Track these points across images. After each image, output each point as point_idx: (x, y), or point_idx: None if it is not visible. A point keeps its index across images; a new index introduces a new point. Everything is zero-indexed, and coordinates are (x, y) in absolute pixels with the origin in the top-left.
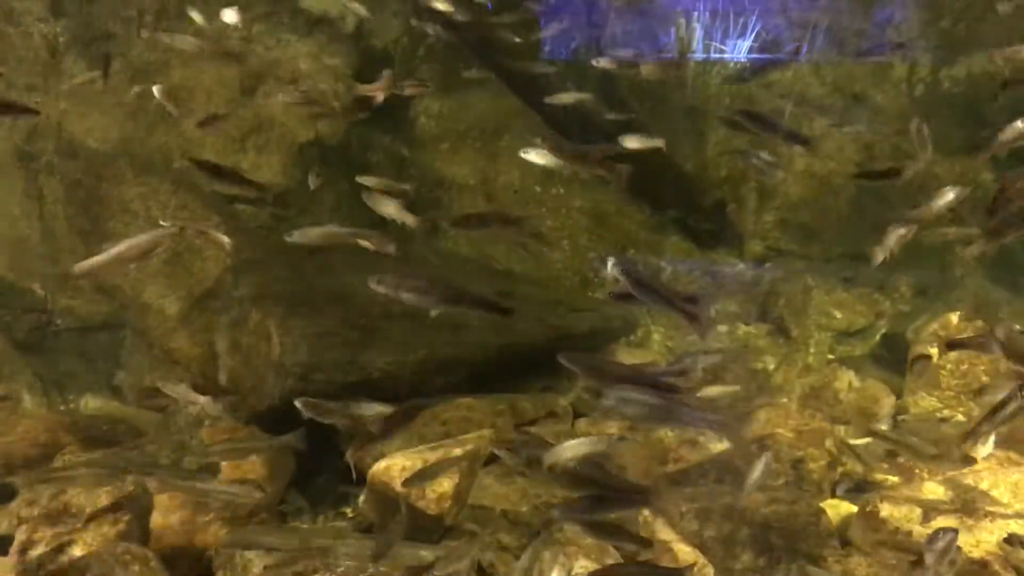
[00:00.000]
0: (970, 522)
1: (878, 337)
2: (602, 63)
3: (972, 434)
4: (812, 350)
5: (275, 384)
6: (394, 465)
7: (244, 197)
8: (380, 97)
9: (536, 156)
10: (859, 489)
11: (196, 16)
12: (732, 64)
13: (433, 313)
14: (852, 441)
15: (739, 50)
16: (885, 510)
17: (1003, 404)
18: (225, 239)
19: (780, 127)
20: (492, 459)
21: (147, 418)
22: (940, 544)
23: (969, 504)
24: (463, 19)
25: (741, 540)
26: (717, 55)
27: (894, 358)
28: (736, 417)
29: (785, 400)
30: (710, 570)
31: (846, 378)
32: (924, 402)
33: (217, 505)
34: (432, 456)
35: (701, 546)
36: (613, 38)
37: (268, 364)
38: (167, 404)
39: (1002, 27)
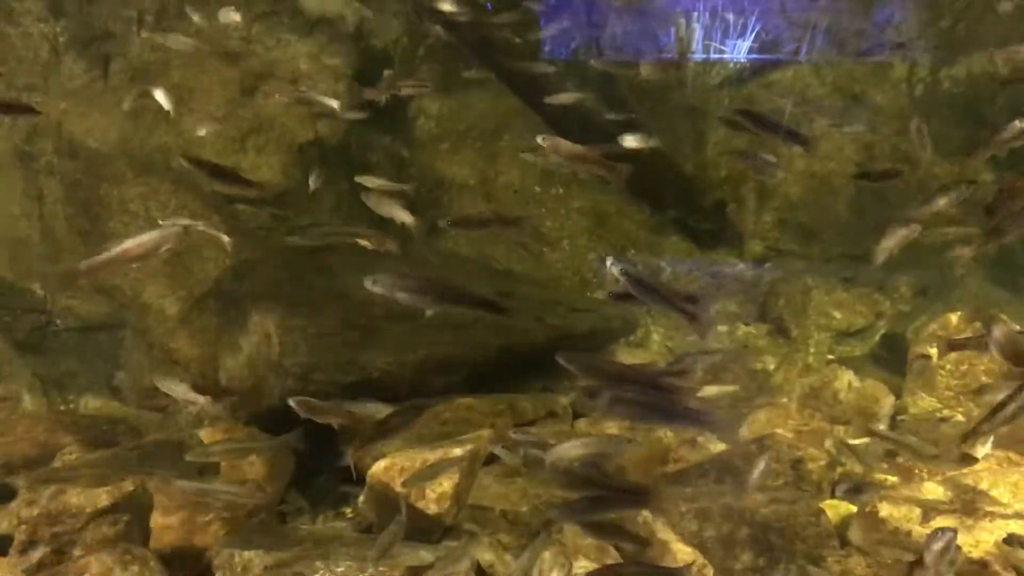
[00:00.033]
0: (969, 522)
1: (878, 337)
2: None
3: (972, 434)
4: (812, 350)
5: (275, 384)
6: (394, 465)
7: (241, 196)
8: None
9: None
10: (858, 490)
11: (195, 16)
12: (732, 64)
13: (428, 313)
14: (851, 441)
15: (739, 50)
16: (885, 510)
17: (1003, 404)
18: (225, 238)
19: (780, 127)
20: (492, 459)
21: (147, 418)
22: (939, 544)
23: (969, 504)
24: (463, 19)
25: (741, 540)
26: (717, 55)
27: (894, 358)
28: (727, 416)
29: (785, 400)
30: (710, 570)
31: (846, 378)
32: (923, 402)
33: (219, 505)
34: (432, 456)
35: (701, 546)
36: (613, 38)
37: (268, 364)
38: (167, 404)
39: (1002, 27)
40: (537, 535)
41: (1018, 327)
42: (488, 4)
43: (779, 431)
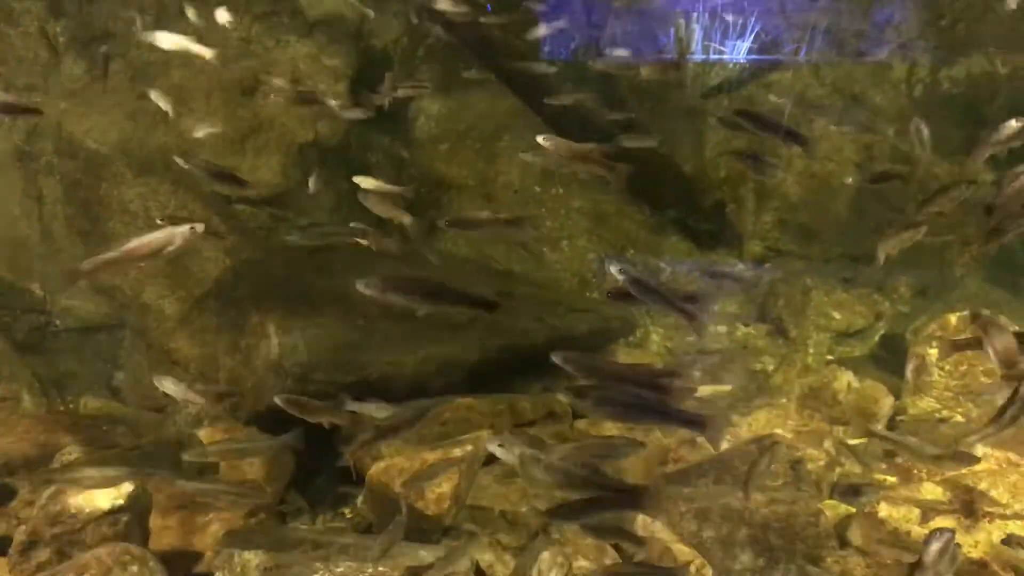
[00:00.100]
0: (969, 523)
1: (877, 338)
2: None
3: (979, 433)
4: (811, 351)
5: (274, 384)
6: (393, 466)
7: (239, 197)
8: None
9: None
10: (856, 492)
11: (193, 16)
12: (731, 65)
13: (420, 313)
14: (851, 441)
15: (738, 51)
16: (884, 510)
17: (1008, 405)
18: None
19: (779, 127)
20: (491, 459)
21: (146, 418)
22: (937, 545)
23: (968, 505)
24: (463, 19)
25: (740, 540)
26: (716, 56)
27: (893, 359)
28: (719, 417)
29: (784, 401)
30: (709, 570)
31: (845, 379)
32: (923, 403)
33: (222, 505)
34: (431, 456)
35: (700, 546)
36: (613, 39)
37: (267, 364)
38: (167, 404)
39: (1001, 27)
40: (536, 535)
41: (1016, 327)
42: (488, 5)
43: (778, 431)
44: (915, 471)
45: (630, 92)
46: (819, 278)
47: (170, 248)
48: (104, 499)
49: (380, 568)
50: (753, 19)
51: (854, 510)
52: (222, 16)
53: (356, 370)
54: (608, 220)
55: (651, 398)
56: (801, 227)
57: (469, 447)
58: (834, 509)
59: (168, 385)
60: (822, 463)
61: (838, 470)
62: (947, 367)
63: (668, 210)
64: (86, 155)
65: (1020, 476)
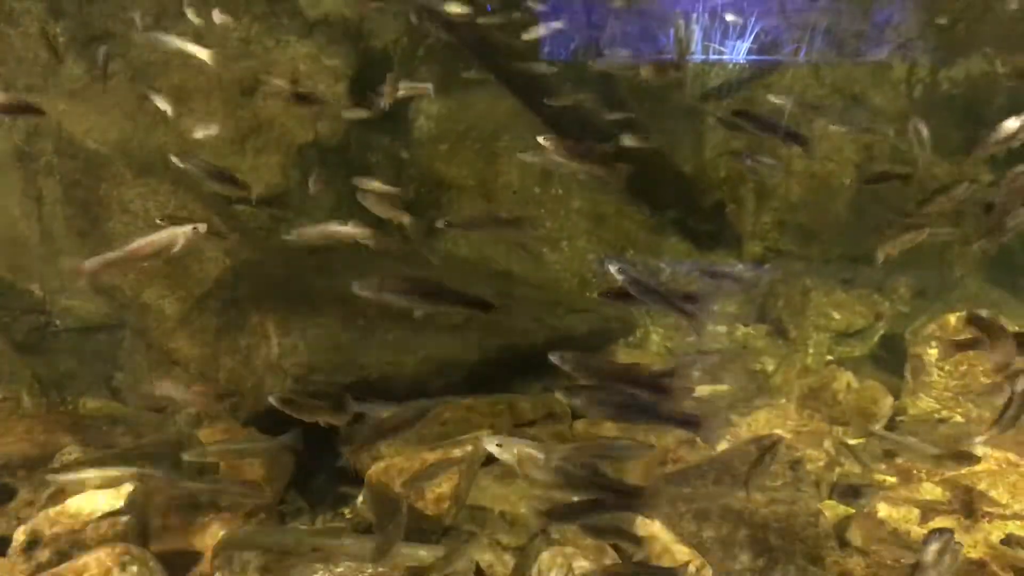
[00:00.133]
0: (968, 523)
1: (877, 338)
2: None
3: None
4: (811, 351)
5: (274, 385)
6: (393, 466)
7: (236, 197)
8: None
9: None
10: (854, 494)
11: (192, 16)
12: (731, 65)
13: (417, 314)
14: (850, 441)
15: (738, 51)
16: (884, 511)
17: (1009, 405)
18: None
19: (778, 127)
20: (491, 460)
21: (146, 418)
22: (936, 545)
23: (967, 505)
24: (463, 20)
25: (740, 541)
26: (716, 56)
27: (893, 359)
28: (714, 418)
29: (784, 401)
30: (708, 571)
31: (845, 379)
32: (922, 403)
33: (224, 505)
34: (431, 457)
35: (700, 547)
36: (612, 39)
37: (267, 365)
38: (167, 404)
39: (1001, 28)
40: (536, 536)
41: (1016, 327)
42: (488, 5)
43: (778, 432)
44: (914, 471)
45: (630, 92)
46: (819, 278)
47: (174, 248)
48: (104, 499)
49: (379, 569)
50: (753, 19)
51: (853, 510)
52: (218, 16)
53: (356, 370)
54: (608, 220)
55: (646, 398)
56: (801, 227)
57: (469, 447)
58: (834, 509)
59: (167, 387)
60: (822, 463)
61: (838, 470)
62: (947, 367)
63: (668, 210)
64: (86, 155)
65: (1019, 476)
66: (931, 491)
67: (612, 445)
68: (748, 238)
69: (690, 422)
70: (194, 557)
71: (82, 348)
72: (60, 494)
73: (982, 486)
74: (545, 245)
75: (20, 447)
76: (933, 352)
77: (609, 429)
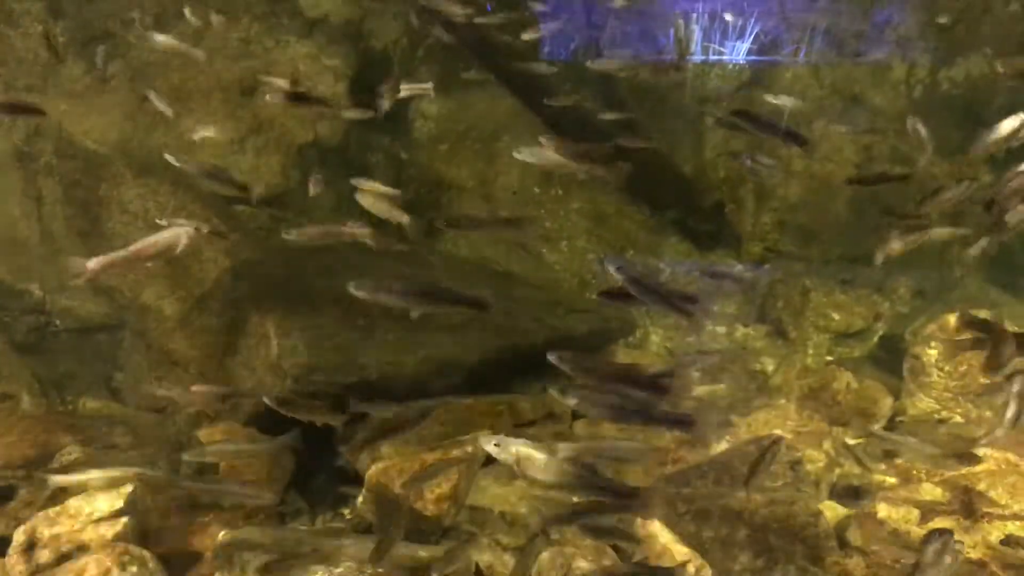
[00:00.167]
0: (968, 523)
1: (876, 338)
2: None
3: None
4: (810, 351)
5: (274, 385)
6: (392, 466)
7: (234, 196)
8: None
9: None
10: (854, 496)
11: (191, 17)
12: (731, 66)
13: (414, 315)
14: (850, 441)
15: (738, 52)
16: (883, 511)
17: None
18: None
19: (777, 127)
20: (490, 460)
21: (146, 419)
22: (935, 545)
23: (967, 505)
24: (463, 20)
25: (739, 541)
26: (716, 57)
27: (892, 359)
28: (704, 416)
29: (783, 401)
30: (708, 571)
31: (844, 379)
32: (922, 403)
33: (228, 506)
34: (430, 457)
35: (699, 547)
36: (612, 39)
37: (267, 365)
38: (166, 404)
39: (1001, 28)
40: (536, 536)
41: (1016, 328)
42: (488, 5)
43: (777, 432)
44: (914, 472)
45: (630, 93)
46: (818, 279)
47: (177, 249)
48: (104, 500)
49: (379, 569)
50: (753, 20)
51: (853, 511)
52: (215, 17)
53: (356, 371)
54: (607, 221)
55: (640, 398)
56: (800, 228)
57: (468, 448)
58: (833, 510)
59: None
60: (821, 464)
61: (837, 471)
62: (946, 368)
63: (667, 211)
64: (86, 156)
65: (1019, 477)
66: (931, 491)
67: (616, 446)
68: (748, 238)
69: (683, 422)
70: (194, 557)
71: (82, 348)
72: (60, 494)
73: (981, 486)
74: (545, 245)
75: (20, 447)
76: (933, 352)
77: (609, 429)
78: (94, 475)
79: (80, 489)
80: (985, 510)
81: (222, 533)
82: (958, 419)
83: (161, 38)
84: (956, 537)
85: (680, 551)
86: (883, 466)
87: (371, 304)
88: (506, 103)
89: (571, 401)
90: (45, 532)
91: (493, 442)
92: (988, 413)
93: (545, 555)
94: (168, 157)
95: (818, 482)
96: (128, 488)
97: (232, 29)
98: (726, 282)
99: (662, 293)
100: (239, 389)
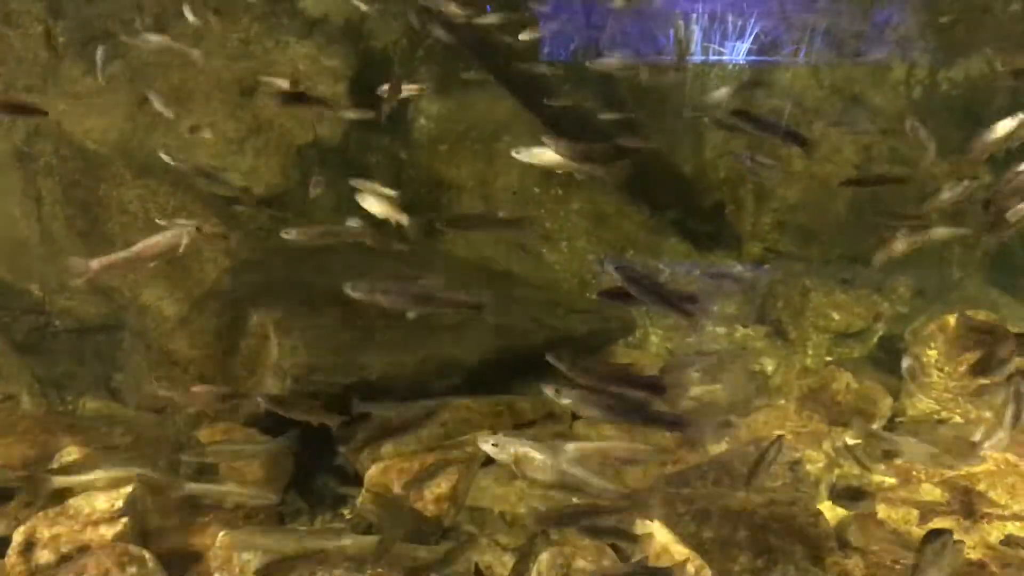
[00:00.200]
0: (967, 524)
1: (876, 339)
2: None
3: (988, 432)
4: (810, 352)
5: (273, 385)
6: (392, 467)
7: (231, 196)
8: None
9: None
10: (853, 498)
11: (190, 16)
12: (731, 66)
13: (410, 315)
14: (850, 442)
15: (738, 52)
16: (883, 511)
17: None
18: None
19: (777, 128)
20: (490, 460)
21: (146, 419)
22: (934, 545)
23: (966, 506)
24: (463, 21)
25: (739, 541)
26: (716, 57)
27: (892, 360)
28: (698, 417)
29: (783, 402)
30: (708, 571)
31: (844, 380)
32: (922, 404)
33: (230, 506)
34: (430, 457)
35: (699, 547)
36: (612, 40)
37: (266, 366)
38: (166, 405)
39: (1001, 28)
40: (535, 536)
41: (1016, 329)
42: (488, 6)
43: (777, 432)
44: (914, 472)
45: (630, 93)
46: (818, 279)
47: (179, 248)
48: (103, 500)
49: (379, 569)
50: (752, 20)
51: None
52: (211, 18)
53: (356, 370)
54: (607, 221)
55: (635, 398)
56: (800, 228)
57: (468, 448)
58: (833, 510)
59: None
60: (821, 464)
61: (837, 471)
62: (946, 368)
63: (667, 211)
64: (85, 156)
65: (1018, 477)
66: (930, 492)
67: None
68: (747, 239)
69: (677, 423)
70: (193, 557)
71: (82, 349)
72: (60, 495)
73: (981, 487)
74: (544, 245)
75: (19, 447)
76: (932, 353)
77: (609, 430)
78: (98, 475)
79: (83, 489)
80: (985, 510)
81: (222, 533)
82: (958, 419)
83: (154, 38)
84: (957, 537)
85: (680, 551)
86: (883, 466)
87: (369, 304)
88: (506, 103)
89: (564, 401)
90: (45, 532)
91: (491, 442)
92: (988, 414)
93: (544, 555)
94: (162, 155)
95: (818, 482)
96: (128, 488)
97: (232, 29)
98: (726, 282)
99: (662, 293)
100: (233, 389)
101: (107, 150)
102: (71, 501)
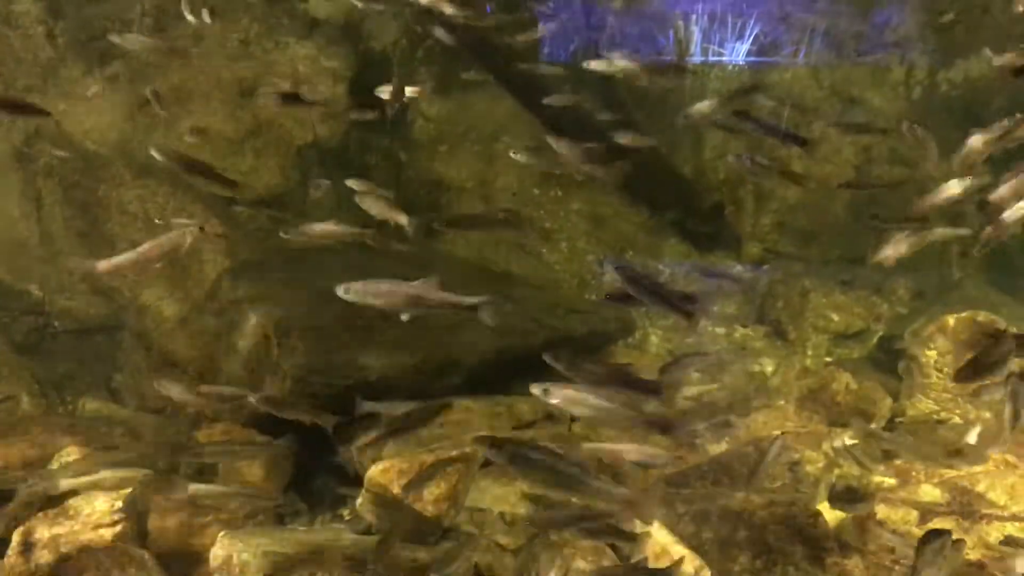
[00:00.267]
0: (966, 524)
1: (875, 340)
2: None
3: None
4: (809, 352)
5: (273, 386)
6: (391, 467)
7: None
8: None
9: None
10: (852, 499)
11: (190, 16)
12: (730, 67)
13: (404, 317)
14: (849, 442)
15: (737, 53)
16: (882, 512)
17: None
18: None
19: (777, 128)
20: (489, 461)
21: (145, 420)
22: (933, 546)
23: (965, 507)
24: (463, 21)
25: (739, 542)
26: (715, 58)
27: (892, 361)
28: (682, 418)
29: (783, 402)
30: (707, 572)
31: (843, 380)
32: (921, 404)
33: (233, 507)
34: (429, 458)
35: (699, 548)
36: (612, 41)
37: (266, 366)
38: (166, 405)
39: (1001, 29)
40: (535, 537)
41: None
42: (488, 6)
43: (776, 433)
44: (913, 473)
45: (629, 94)
46: (817, 280)
47: (183, 249)
48: (103, 501)
49: (378, 570)
50: (752, 21)
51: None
52: (208, 19)
53: (355, 372)
54: (607, 222)
55: (620, 398)
56: (800, 229)
57: (467, 448)
58: (833, 511)
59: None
60: (820, 464)
61: (836, 471)
62: (945, 369)
63: (667, 212)
64: (85, 156)
65: (1018, 478)
66: (930, 492)
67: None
68: (747, 239)
69: (658, 424)
70: (193, 558)
71: (81, 349)
72: (59, 495)
73: (980, 488)
74: (544, 246)
75: (19, 448)
76: (932, 354)
77: (608, 431)
78: (104, 475)
79: (86, 489)
80: (984, 511)
81: (221, 534)
82: (957, 420)
83: (141, 39)
84: (956, 537)
85: (679, 552)
86: (882, 467)
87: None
88: (505, 104)
89: (553, 401)
90: (44, 533)
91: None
92: (987, 414)
93: (544, 556)
94: (152, 152)
95: (817, 483)
96: (127, 489)
97: (232, 30)
98: (725, 283)
99: (661, 293)
100: (223, 389)
101: (107, 150)
102: (71, 502)
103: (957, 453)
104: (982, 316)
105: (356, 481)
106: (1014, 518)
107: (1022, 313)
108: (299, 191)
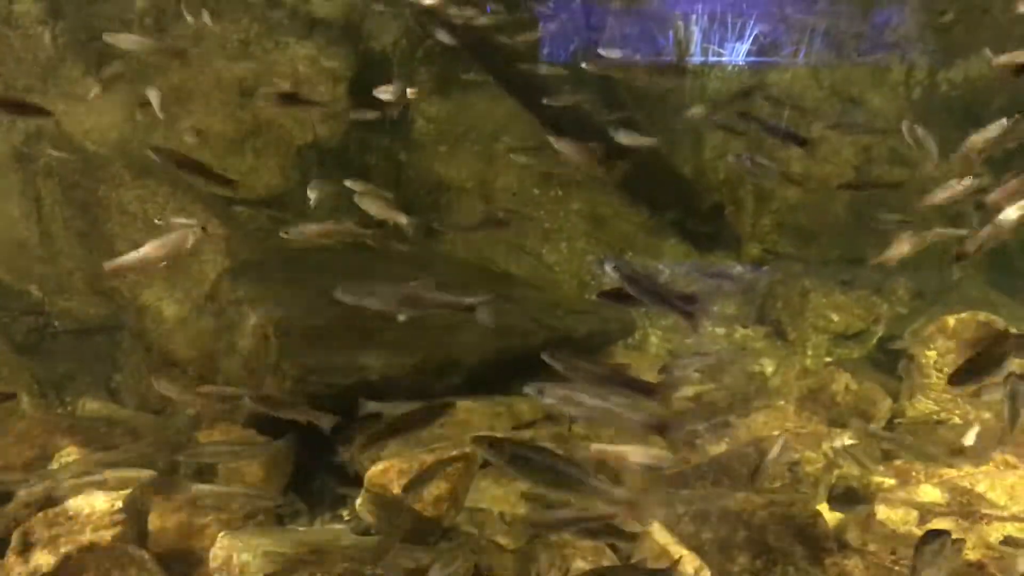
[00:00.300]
0: (966, 524)
1: (875, 340)
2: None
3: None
4: (809, 352)
5: (272, 386)
6: (391, 467)
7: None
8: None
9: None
10: (851, 501)
11: (189, 17)
12: (730, 67)
13: (401, 318)
14: (848, 442)
15: (737, 53)
16: (882, 512)
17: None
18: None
19: (777, 129)
20: (488, 461)
21: (145, 420)
22: (932, 546)
23: (965, 507)
24: (463, 22)
25: (738, 542)
26: (715, 58)
27: (891, 361)
28: (674, 418)
29: (782, 403)
30: (707, 572)
31: (843, 381)
32: (921, 405)
33: (235, 508)
34: (429, 458)
35: (698, 548)
36: (612, 41)
37: (265, 366)
38: (166, 405)
39: (1000, 30)
40: (534, 537)
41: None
42: (488, 7)
43: (776, 433)
44: (913, 473)
45: (629, 94)
46: (817, 280)
47: (185, 249)
48: (102, 501)
49: (378, 570)
50: (752, 21)
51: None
52: (208, 19)
53: (356, 371)
54: (607, 222)
55: (616, 398)
56: (799, 229)
57: (468, 448)
58: (832, 511)
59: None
60: (820, 465)
61: (836, 472)
62: (945, 369)
63: (667, 212)
64: (85, 156)
65: (1018, 478)
66: (930, 493)
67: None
68: (747, 240)
69: (652, 425)
70: (193, 558)
71: (81, 349)
72: (58, 495)
73: (980, 488)
74: (544, 246)
75: (19, 448)
76: (932, 354)
77: (608, 432)
78: (107, 476)
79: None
80: (984, 511)
81: (221, 534)
82: (957, 420)
83: (134, 38)
84: (956, 537)
85: (679, 552)
86: (882, 467)
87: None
88: (505, 104)
89: (547, 400)
90: (44, 533)
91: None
92: (987, 415)
93: (543, 556)
94: (150, 152)
95: (817, 483)
96: (127, 489)
97: (232, 30)
98: (725, 283)
99: (661, 293)
100: (221, 389)
101: (107, 150)
102: (70, 502)
103: (959, 453)
104: (982, 316)
105: (356, 481)
106: (1014, 518)
107: (1022, 313)
108: (299, 191)
